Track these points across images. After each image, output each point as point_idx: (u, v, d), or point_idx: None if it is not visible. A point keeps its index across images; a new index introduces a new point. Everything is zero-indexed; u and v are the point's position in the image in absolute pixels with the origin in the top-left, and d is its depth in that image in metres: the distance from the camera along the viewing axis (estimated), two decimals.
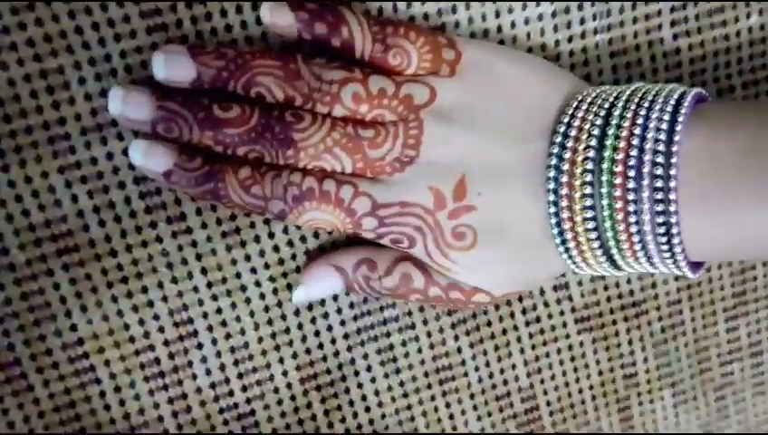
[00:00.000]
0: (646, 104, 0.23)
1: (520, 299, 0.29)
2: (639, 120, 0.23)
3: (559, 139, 0.24)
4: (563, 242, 0.25)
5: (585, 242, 0.24)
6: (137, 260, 0.25)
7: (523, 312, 0.29)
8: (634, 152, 0.23)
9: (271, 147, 0.24)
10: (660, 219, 0.23)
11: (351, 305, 0.28)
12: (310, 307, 0.27)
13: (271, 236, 0.26)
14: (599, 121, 0.24)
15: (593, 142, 0.23)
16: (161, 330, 0.26)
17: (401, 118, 0.24)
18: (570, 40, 0.27)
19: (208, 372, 0.26)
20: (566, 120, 0.24)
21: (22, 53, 0.23)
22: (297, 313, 0.27)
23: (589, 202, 0.23)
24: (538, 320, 0.30)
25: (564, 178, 0.24)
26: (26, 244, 0.24)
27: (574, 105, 0.25)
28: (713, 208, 0.23)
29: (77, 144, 0.24)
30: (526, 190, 0.25)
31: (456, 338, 0.29)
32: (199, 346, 0.26)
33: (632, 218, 0.23)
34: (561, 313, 0.30)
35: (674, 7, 0.27)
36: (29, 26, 0.23)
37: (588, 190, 0.23)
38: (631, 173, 0.23)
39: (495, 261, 0.25)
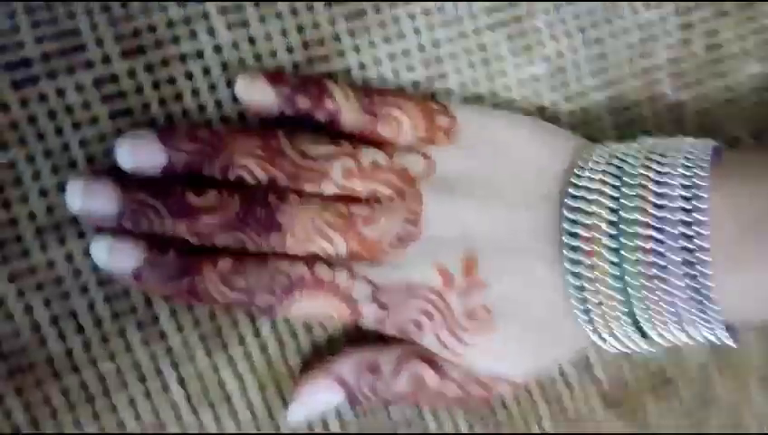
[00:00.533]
0: (658, 166, 0.21)
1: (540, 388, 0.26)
2: (655, 176, 0.21)
3: (572, 202, 0.22)
4: (587, 312, 0.22)
5: (610, 311, 0.22)
6: (103, 375, 0.22)
7: (547, 401, 0.26)
8: (656, 212, 0.21)
9: (254, 233, 0.21)
10: (691, 283, 0.20)
11: (357, 416, 0.24)
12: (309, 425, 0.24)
13: (257, 334, 0.23)
14: (613, 181, 0.22)
15: (611, 204, 0.21)
16: None
17: (398, 192, 0.22)
18: (567, 100, 0.25)
19: None
20: (577, 181, 0.22)
21: None
22: (294, 430, 0.23)
23: (616, 271, 0.21)
24: (564, 412, 0.26)
25: (583, 245, 0.21)
26: None
27: (581, 165, 0.23)
28: (745, 267, 0.20)
29: (31, 247, 0.21)
30: (540, 260, 0.22)
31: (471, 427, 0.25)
32: None
33: (662, 284, 0.20)
34: (587, 397, 0.27)
35: (672, 60, 0.26)
36: None
37: (614, 258, 0.21)
38: (657, 235, 0.20)
39: (515, 340, 0.22)
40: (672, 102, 0.26)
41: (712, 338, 0.22)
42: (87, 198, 0.20)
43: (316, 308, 0.21)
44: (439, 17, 0.24)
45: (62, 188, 0.21)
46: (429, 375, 0.22)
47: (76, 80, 0.21)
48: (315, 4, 0.23)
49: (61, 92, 0.21)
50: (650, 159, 0.22)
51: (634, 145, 0.23)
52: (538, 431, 0.26)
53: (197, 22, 0.22)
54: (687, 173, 0.21)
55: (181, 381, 0.22)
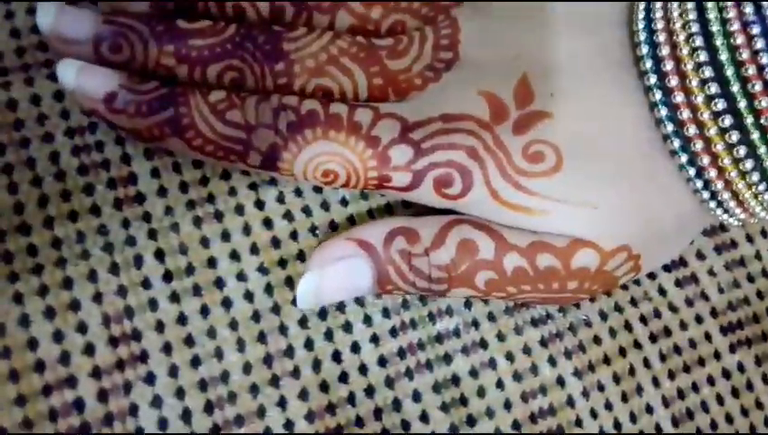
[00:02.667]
0: None
1: (633, 303, 0.20)
2: None
3: (642, 23, 0.17)
4: (685, 149, 0.17)
5: (724, 151, 0.16)
6: (59, 240, 0.17)
7: (643, 320, 0.20)
8: (749, 9, 0.16)
9: (254, 60, 0.17)
10: None
11: (386, 313, 0.18)
12: (323, 314, 0.18)
13: (259, 205, 0.18)
14: None
15: (692, 15, 0.17)
16: (89, 350, 0.16)
17: (427, 21, 0.18)
18: None
19: (163, 424, 0.16)
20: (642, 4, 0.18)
21: None
22: (304, 323, 0.17)
23: (714, 88, 0.16)
24: (668, 332, 0.20)
25: (668, 66, 0.17)
26: None
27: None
28: None
29: None
30: (616, 87, 0.17)
31: (553, 362, 0.19)
32: (149, 379, 0.16)
33: None
34: (699, 319, 0.20)
35: None
36: None
37: (708, 73, 0.16)
38: (760, 42, 0.16)
39: (594, 186, 0.17)
40: None
41: None
42: (60, 17, 0.17)
43: (332, 152, 0.17)
44: None
45: (35, 30, 0.18)
46: (484, 241, 0.17)
47: None
48: None
49: None
50: None
51: None
52: (641, 363, 0.19)
53: None
54: None
55: (159, 255, 0.17)
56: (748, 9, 0.16)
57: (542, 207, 0.17)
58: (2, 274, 0.16)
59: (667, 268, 0.20)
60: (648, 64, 0.17)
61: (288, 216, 0.18)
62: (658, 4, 0.18)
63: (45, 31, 0.17)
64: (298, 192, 0.18)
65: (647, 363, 0.19)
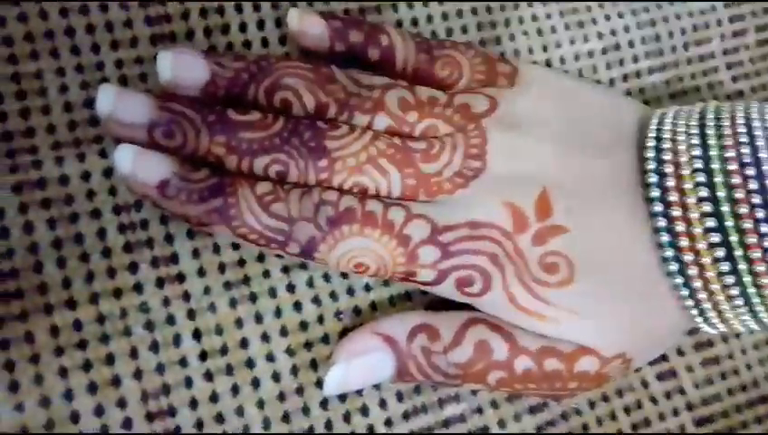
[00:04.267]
0: (740, 111, 0.20)
1: (619, 393, 0.22)
2: (742, 121, 0.19)
3: (652, 152, 0.20)
4: (681, 272, 0.19)
5: (710, 265, 0.18)
6: (103, 316, 0.18)
7: (626, 411, 0.22)
8: (746, 150, 0.18)
9: (299, 156, 0.19)
10: None
11: (400, 397, 0.20)
12: (342, 397, 0.19)
13: (290, 288, 0.19)
14: (695, 130, 0.20)
15: (696, 152, 0.19)
16: (127, 425, 0.17)
17: (459, 129, 0.20)
18: (624, 79, 0.24)
19: None
20: (654, 127, 0.20)
21: None
22: (325, 405, 0.19)
23: (711, 223, 0.18)
24: (647, 423, 0.22)
25: (673, 197, 0.19)
26: None
27: (658, 114, 0.21)
28: None
29: (45, 159, 0.18)
30: (624, 211, 0.19)
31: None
32: None
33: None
34: (676, 412, 0.22)
35: (726, 50, 0.25)
36: (9, 22, 0.19)
37: (707, 208, 0.18)
38: (752, 183, 0.18)
39: (601, 300, 0.19)
40: (731, 91, 0.25)
41: None
42: (118, 103, 0.18)
43: (365, 248, 0.18)
44: None
45: (88, 104, 0.19)
46: (498, 344, 0.19)
47: None
48: None
49: (104, 7, 0.20)
50: (745, 113, 0.20)
51: (706, 104, 0.21)
52: None
53: None
54: None
55: (196, 334, 0.18)
56: (744, 150, 0.18)
57: (554, 315, 0.18)
58: (49, 347, 0.17)
59: (650, 362, 0.22)
60: (655, 193, 0.19)
61: (316, 300, 0.19)
62: (667, 127, 0.20)
63: (103, 114, 0.18)
64: (326, 277, 0.20)
65: None
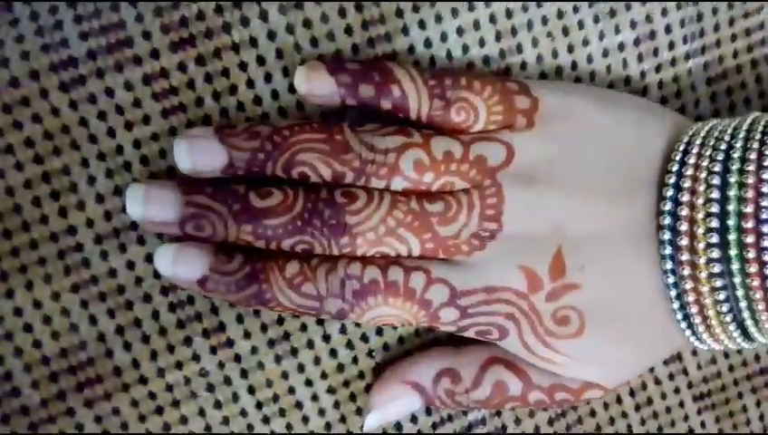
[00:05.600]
0: None
1: None
2: (767, 162, 0.19)
3: (670, 192, 0.20)
4: (686, 317, 0.20)
5: (714, 315, 0.20)
6: (171, 386, 0.21)
7: (632, 394, 0.24)
8: (766, 203, 0.18)
9: (321, 235, 0.20)
10: None
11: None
12: None
13: (326, 338, 0.22)
14: (717, 168, 0.19)
15: (714, 195, 0.19)
16: None
17: (475, 185, 0.20)
18: (658, 69, 0.23)
19: None
20: (675, 168, 0.20)
21: (20, 155, 0.19)
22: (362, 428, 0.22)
23: (717, 268, 0.19)
24: (650, 402, 0.25)
25: (683, 242, 0.19)
26: (40, 380, 0.20)
27: (682, 149, 0.20)
28: None
29: (91, 256, 0.20)
30: (637, 258, 0.20)
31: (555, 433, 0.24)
32: None
33: None
34: (677, 390, 0.25)
35: None
36: (25, 124, 0.19)
37: (715, 254, 0.19)
38: (765, 229, 0.18)
39: (609, 346, 0.21)
40: None
41: None
42: (147, 206, 0.19)
43: (391, 313, 0.20)
44: None
45: (118, 191, 0.20)
46: (514, 383, 0.21)
47: (125, 77, 0.20)
48: None
49: (110, 92, 0.20)
50: (762, 142, 0.19)
51: (744, 123, 0.20)
52: (624, 429, 0.24)
53: (248, 6, 0.20)
54: None
55: (251, 390, 0.21)
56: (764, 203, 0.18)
57: (565, 362, 0.21)
58: (133, 417, 0.21)
59: None
60: (667, 236, 0.20)
61: (349, 344, 0.22)
62: (689, 173, 0.20)
63: (137, 219, 0.19)
64: (357, 323, 0.22)
65: (629, 429, 0.24)
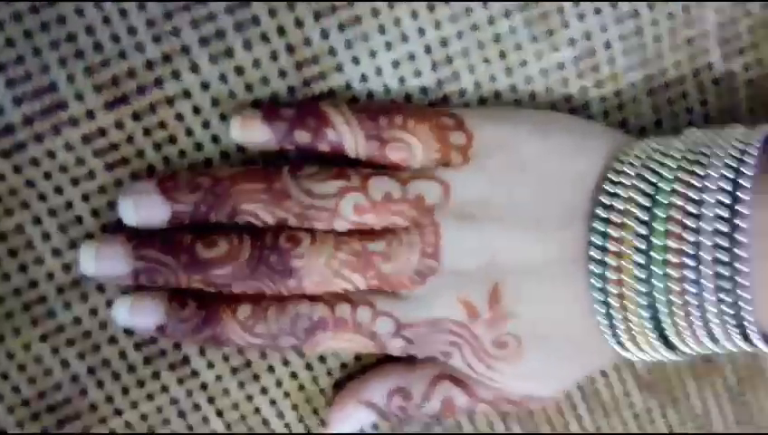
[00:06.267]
0: (699, 170, 0.19)
1: None
2: (693, 194, 0.19)
3: (599, 226, 0.20)
4: (615, 335, 0.21)
5: (641, 334, 0.21)
6: (146, 415, 0.23)
7: (580, 388, 0.26)
8: (690, 237, 0.19)
9: (270, 281, 0.21)
10: (727, 297, 0.19)
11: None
12: None
13: (286, 363, 0.23)
14: (646, 202, 0.20)
15: (642, 230, 0.20)
16: None
17: (414, 223, 0.21)
18: (598, 85, 0.23)
19: None
20: (605, 200, 0.20)
21: None
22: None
23: (643, 300, 0.20)
24: (597, 394, 0.26)
25: (611, 275, 0.20)
26: (24, 421, 0.22)
27: (613, 178, 0.21)
28: None
29: (55, 306, 0.21)
30: (569, 285, 0.21)
31: (509, 429, 0.26)
32: None
33: (693, 300, 0.19)
34: (623, 381, 0.26)
35: (722, 24, 0.23)
36: None
37: (642, 288, 0.20)
38: (689, 262, 0.19)
39: (545, 364, 0.22)
40: (719, 74, 0.23)
41: (746, 348, 0.21)
42: (100, 263, 0.20)
43: (341, 345, 0.21)
44: (446, 11, 0.21)
45: (73, 245, 0.21)
46: (460, 397, 0.23)
47: (64, 139, 0.20)
48: (304, 17, 0.20)
49: (51, 154, 0.20)
50: (690, 161, 0.20)
51: (675, 142, 0.21)
52: (574, 419, 0.26)
53: (178, 59, 0.20)
54: (728, 177, 0.19)
55: (219, 413, 0.23)
56: (685, 248, 0.19)
57: (506, 380, 0.22)
58: None
59: None
60: (594, 268, 0.20)
61: (308, 366, 0.24)
62: (618, 207, 0.20)
63: (91, 275, 0.20)
64: None
65: (579, 421, 0.26)
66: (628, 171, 0.20)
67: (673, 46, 0.23)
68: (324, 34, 0.21)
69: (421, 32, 0.21)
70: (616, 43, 0.22)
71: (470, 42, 0.22)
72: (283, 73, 0.21)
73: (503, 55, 0.22)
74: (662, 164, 0.20)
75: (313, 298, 0.21)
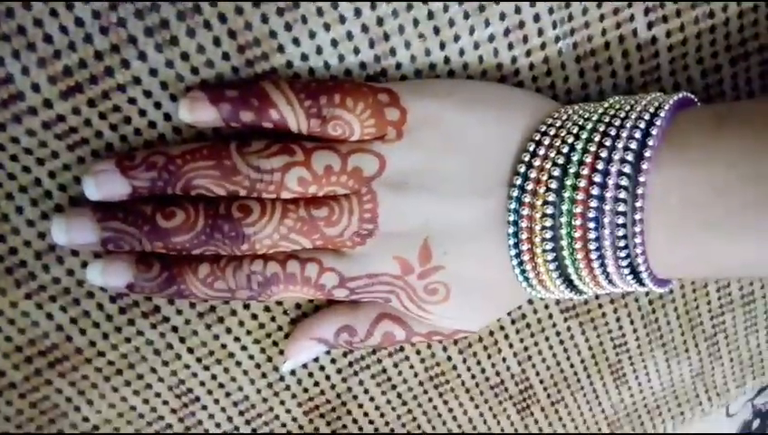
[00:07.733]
0: (612, 132, 0.22)
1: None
2: (603, 156, 0.22)
3: (516, 193, 0.23)
4: (527, 280, 0.24)
5: (550, 282, 0.24)
6: (125, 354, 0.26)
7: (508, 313, 0.30)
8: (595, 191, 0.22)
9: (224, 245, 0.23)
10: (623, 252, 0.22)
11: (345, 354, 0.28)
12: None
13: (246, 306, 0.27)
14: (556, 172, 0.22)
15: (551, 198, 0.22)
16: (166, 402, 0.27)
17: (354, 192, 0.23)
18: (528, 54, 0.24)
19: (218, 425, 0.29)
20: (522, 169, 0.23)
21: None
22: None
23: (551, 256, 0.23)
24: (523, 317, 0.30)
25: (524, 235, 0.23)
26: (19, 363, 0.25)
27: (532, 148, 0.23)
28: (681, 246, 0.22)
29: (35, 269, 0.24)
30: (491, 242, 0.24)
31: (445, 349, 0.30)
32: (204, 407, 0.28)
33: (594, 257, 0.22)
34: (546, 306, 0.30)
35: None
36: None
37: (549, 246, 0.23)
38: (591, 214, 0.22)
39: (469, 306, 0.25)
40: (643, 40, 0.25)
41: (638, 288, 0.24)
42: (70, 235, 0.23)
43: (293, 296, 0.24)
44: None
45: (45, 216, 0.23)
46: (399, 332, 0.26)
47: (26, 127, 0.22)
48: (243, 5, 0.21)
49: (15, 139, 0.22)
50: (605, 123, 0.22)
51: (596, 107, 0.23)
52: (502, 337, 0.30)
53: (126, 49, 0.21)
54: (636, 137, 0.21)
55: (190, 350, 0.27)
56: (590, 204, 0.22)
57: (436, 319, 0.25)
58: (99, 379, 0.26)
59: None
60: (511, 230, 0.23)
61: (267, 308, 0.27)
62: (533, 176, 0.23)
63: (64, 245, 0.23)
64: None
65: (507, 337, 0.30)
66: (543, 147, 0.23)
67: (600, 16, 0.24)
68: (264, 19, 0.22)
69: (358, 12, 0.22)
70: (545, 15, 0.23)
71: (405, 19, 0.23)
72: (226, 56, 0.22)
73: (437, 31, 0.23)
74: (581, 128, 0.22)
75: (266, 256, 0.24)
